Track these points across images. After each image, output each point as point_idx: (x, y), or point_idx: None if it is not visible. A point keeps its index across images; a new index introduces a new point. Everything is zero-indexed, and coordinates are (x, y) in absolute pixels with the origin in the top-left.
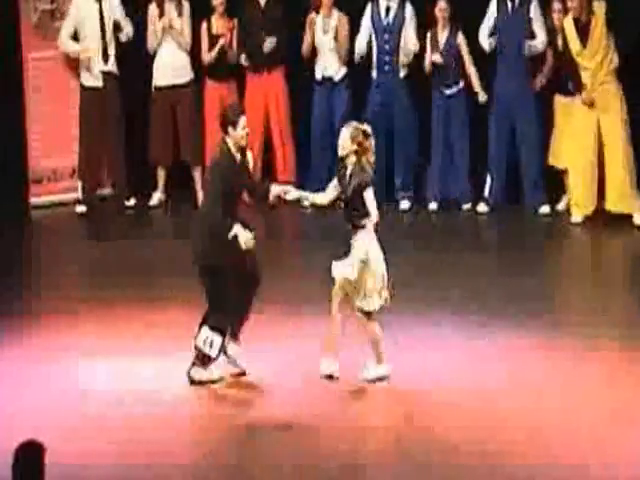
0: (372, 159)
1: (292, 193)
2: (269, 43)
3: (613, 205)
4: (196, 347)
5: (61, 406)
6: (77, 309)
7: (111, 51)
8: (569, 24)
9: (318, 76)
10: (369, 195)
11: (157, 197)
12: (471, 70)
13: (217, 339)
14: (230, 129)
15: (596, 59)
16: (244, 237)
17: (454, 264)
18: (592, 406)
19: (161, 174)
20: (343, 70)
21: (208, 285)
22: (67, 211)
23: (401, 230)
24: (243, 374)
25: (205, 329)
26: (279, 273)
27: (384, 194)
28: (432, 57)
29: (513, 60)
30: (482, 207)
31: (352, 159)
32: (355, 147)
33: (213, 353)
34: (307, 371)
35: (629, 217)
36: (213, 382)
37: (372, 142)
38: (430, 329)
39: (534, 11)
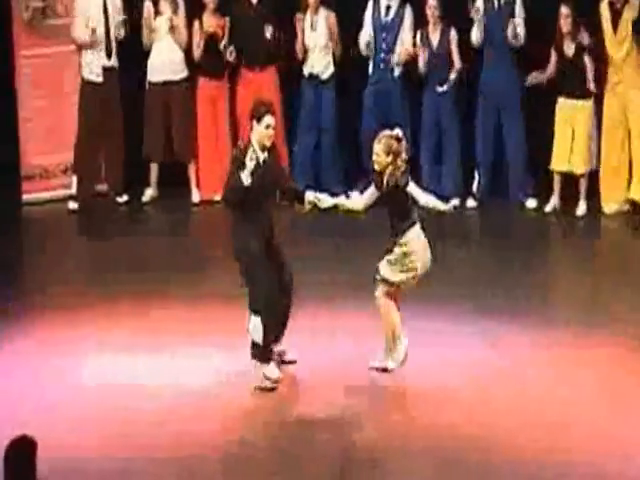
0: (405, 157)
1: (326, 201)
2: (268, 32)
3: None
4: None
5: (58, 400)
6: (72, 304)
7: (114, 46)
8: (605, 8)
9: (305, 73)
10: (412, 190)
11: (149, 193)
12: (456, 59)
13: (256, 320)
14: (254, 123)
15: (623, 49)
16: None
17: (446, 259)
18: (589, 399)
19: (154, 170)
20: (330, 69)
21: (241, 269)
22: (59, 208)
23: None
24: (294, 362)
25: (249, 315)
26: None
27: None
28: (420, 59)
29: (500, 56)
30: (471, 202)
31: (389, 169)
32: (391, 158)
33: (257, 338)
34: (317, 365)
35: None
36: (273, 381)
37: (404, 143)
38: (426, 324)
39: (518, 9)
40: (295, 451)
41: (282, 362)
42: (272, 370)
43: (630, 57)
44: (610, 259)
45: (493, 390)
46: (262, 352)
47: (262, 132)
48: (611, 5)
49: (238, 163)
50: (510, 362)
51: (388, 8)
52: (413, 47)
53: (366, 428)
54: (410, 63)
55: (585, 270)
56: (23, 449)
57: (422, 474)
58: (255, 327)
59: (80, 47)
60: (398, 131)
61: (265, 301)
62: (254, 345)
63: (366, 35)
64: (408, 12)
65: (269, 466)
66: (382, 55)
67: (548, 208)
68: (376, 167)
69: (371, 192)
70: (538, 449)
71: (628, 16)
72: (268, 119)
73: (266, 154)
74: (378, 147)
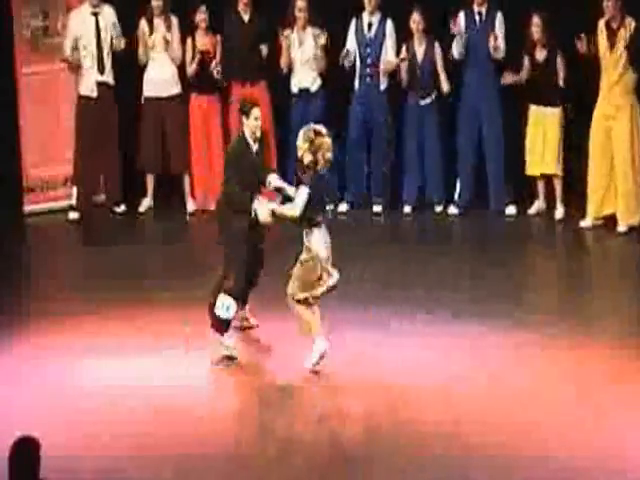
0: (328, 156)
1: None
2: (263, 51)
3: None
4: (213, 315)
5: (55, 403)
6: (71, 310)
7: (107, 63)
8: (602, 27)
9: (294, 89)
10: (301, 192)
11: (146, 204)
12: (441, 71)
13: (232, 303)
14: (244, 118)
15: (618, 68)
16: (262, 212)
17: (427, 263)
18: (560, 398)
19: (150, 181)
20: (318, 82)
21: (226, 253)
22: (60, 218)
23: (376, 232)
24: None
25: (221, 296)
26: None
27: (363, 201)
28: (402, 71)
29: (481, 70)
30: (452, 209)
31: (308, 158)
32: (307, 145)
33: (229, 315)
34: (301, 366)
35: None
36: (230, 358)
37: (326, 140)
38: (406, 327)
39: (499, 24)
40: (284, 451)
41: (244, 328)
42: (229, 338)
43: (622, 79)
44: (583, 264)
45: (469, 390)
46: (227, 326)
47: (252, 124)
48: (607, 24)
49: (235, 163)
50: (485, 363)
51: (370, 24)
52: (396, 58)
53: (350, 426)
54: (396, 77)
55: (559, 274)
56: (27, 449)
57: (403, 470)
58: (226, 307)
59: (69, 66)
60: (320, 127)
61: (242, 290)
62: (218, 320)
63: (346, 49)
64: (389, 27)
65: (258, 465)
66: (367, 70)
67: (532, 211)
68: (298, 153)
69: (301, 192)
70: (512, 444)
71: (624, 36)
72: (255, 112)
73: (257, 145)
74: (300, 133)
